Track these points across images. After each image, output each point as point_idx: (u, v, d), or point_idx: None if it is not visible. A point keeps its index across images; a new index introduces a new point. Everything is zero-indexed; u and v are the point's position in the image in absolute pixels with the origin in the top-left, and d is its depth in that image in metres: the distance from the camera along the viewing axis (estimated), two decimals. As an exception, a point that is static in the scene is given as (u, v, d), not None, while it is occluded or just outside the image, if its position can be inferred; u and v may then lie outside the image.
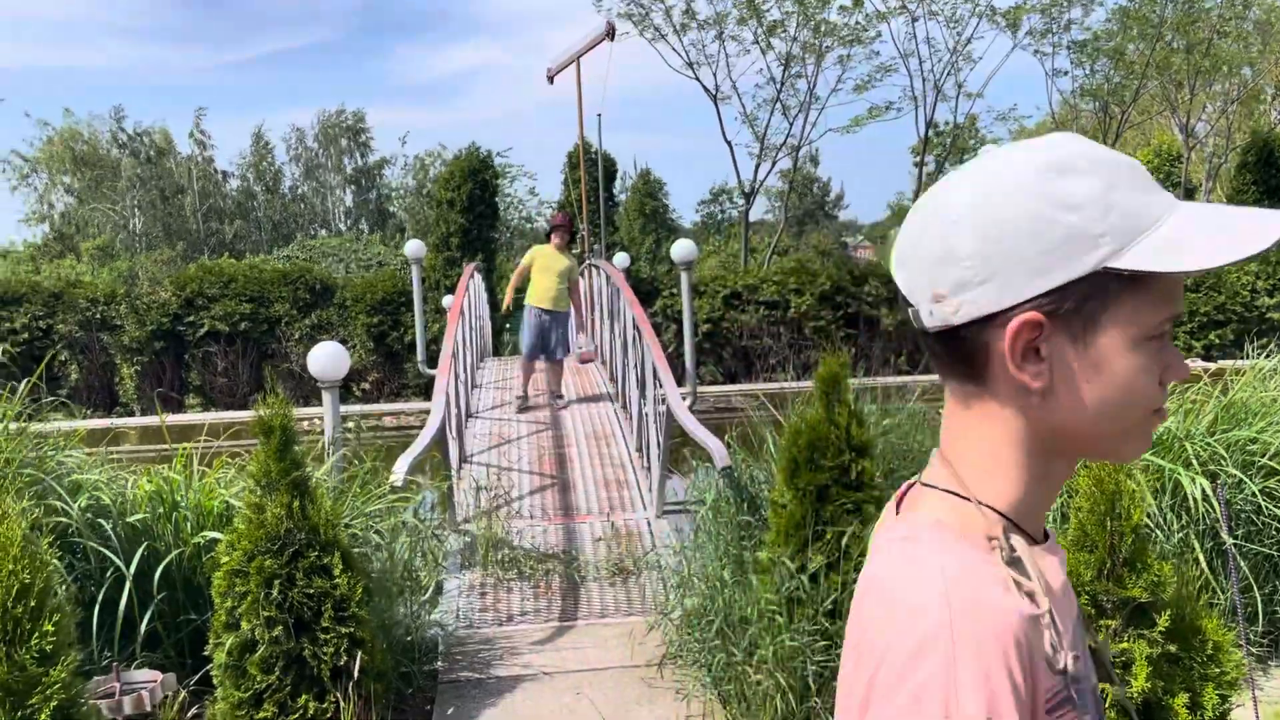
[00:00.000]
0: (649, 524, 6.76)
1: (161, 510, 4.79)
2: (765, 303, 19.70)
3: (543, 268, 9.49)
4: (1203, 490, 4.68)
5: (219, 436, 6.14)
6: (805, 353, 19.62)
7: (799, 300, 19.59)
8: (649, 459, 7.43)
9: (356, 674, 4.19)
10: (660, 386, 6.71)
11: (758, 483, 5.66)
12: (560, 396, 9.83)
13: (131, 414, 17.93)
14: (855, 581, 3.42)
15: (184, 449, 4.93)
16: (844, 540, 4.38)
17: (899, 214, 48.00)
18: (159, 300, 18.61)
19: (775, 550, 4.53)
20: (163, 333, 18.45)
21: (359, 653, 4.28)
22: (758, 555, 4.64)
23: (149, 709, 3.13)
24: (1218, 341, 19.89)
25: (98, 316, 18.56)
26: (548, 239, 9.73)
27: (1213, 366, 5.83)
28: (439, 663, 5.14)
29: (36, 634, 2.02)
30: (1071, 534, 2.32)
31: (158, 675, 3.20)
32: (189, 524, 4.79)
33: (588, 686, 4.86)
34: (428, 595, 5.58)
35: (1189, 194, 27.84)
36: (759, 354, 19.66)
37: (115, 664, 3.35)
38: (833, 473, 4.54)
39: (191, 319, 18.56)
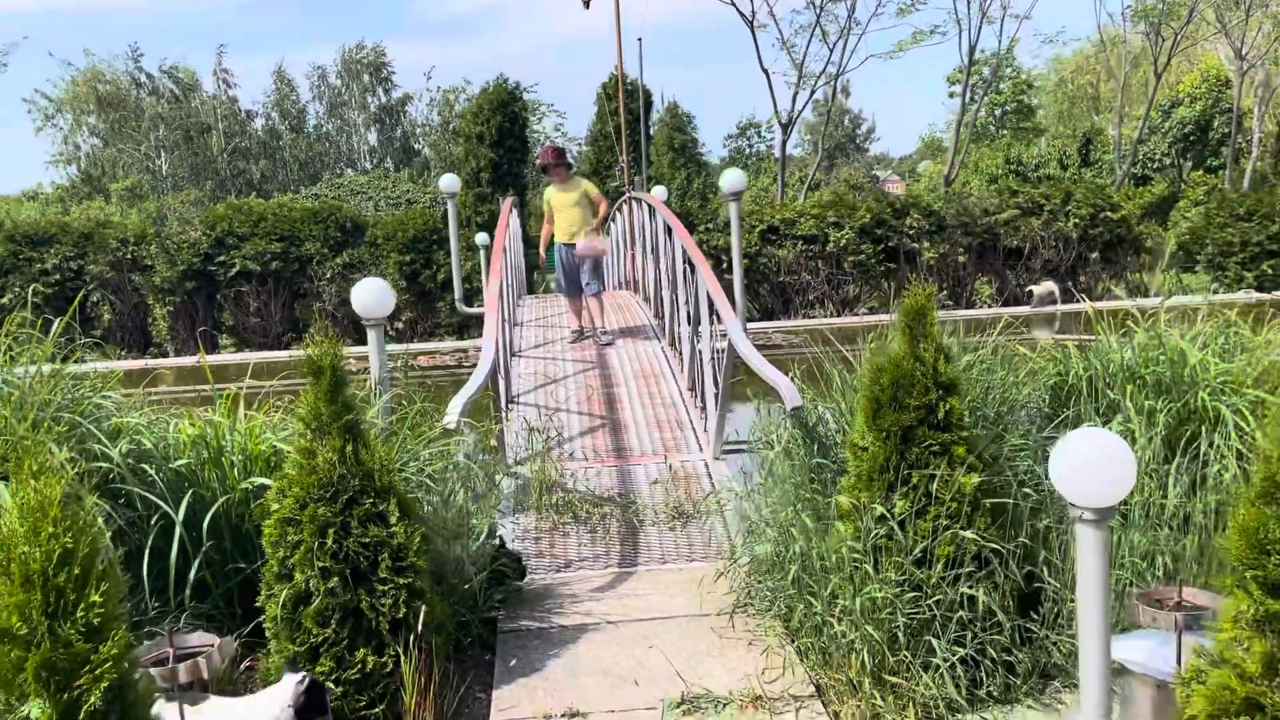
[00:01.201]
0: (706, 466, 6.49)
1: (207, 455, 4.55)
2: (803, 237, 19.23)
3: (558, 206, 9.53)
4: (1319, 429, 4.33)
5: (256, 378, 5.91)
6: (843, 288, 19.19)
7: (838, 234, 19.10)
8: (702, 398, 7.14)
9: (419, 627, 3.97)
10: (718, 321, 6.38)
11: (826, 424, 5.35)
12: (606, 333, 9.57)
13: (165, 355, 17.84)
14: (946, 528, 3.08)
15: (226, 392, 4.68)
16: (933, 485, 4.08)
17: (930, 146, 46.86)
18: (189, 240, 18.41)
19: (855, 495, 4.25)
20: (194, 272, 18.27)
21: (419, 604, 4.06)
22: (838, 500, 4.35)
23: (207, 677, 2.90)
24: (1271, 273, 19.25)
25: (128, 257, 18.40)
26: (545, 174, 9.78)
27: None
28: (497, 610, 4.92)
29: (82, 605, 1.78)
30: (1258, 486, 2.02)
31: (214, 639, 2.96)
32: (235, 469, 4.56)
33: (654, 636, 4.62)
34: (481, 540, 5.36)
35: (1238, 120, 26.84)
36: (797, 289, 19.24)
37: (169, 628, 3.12)
38: (918, 413, 4.23)
39: (222, 258, 18.36)
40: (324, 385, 4.15)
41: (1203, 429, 4.62)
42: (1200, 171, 28.07)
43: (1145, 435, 4.62)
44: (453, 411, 4.85)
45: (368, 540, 4.04)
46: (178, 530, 4.30)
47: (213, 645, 2.90)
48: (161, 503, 4.29)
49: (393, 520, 4.11)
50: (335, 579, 3.98)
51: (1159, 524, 4.38)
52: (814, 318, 18.45)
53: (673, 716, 4.01)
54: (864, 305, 19.08)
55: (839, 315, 18.60)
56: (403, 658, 3.96)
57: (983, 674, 4.00)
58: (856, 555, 4.08)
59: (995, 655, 4.01)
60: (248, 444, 4.60)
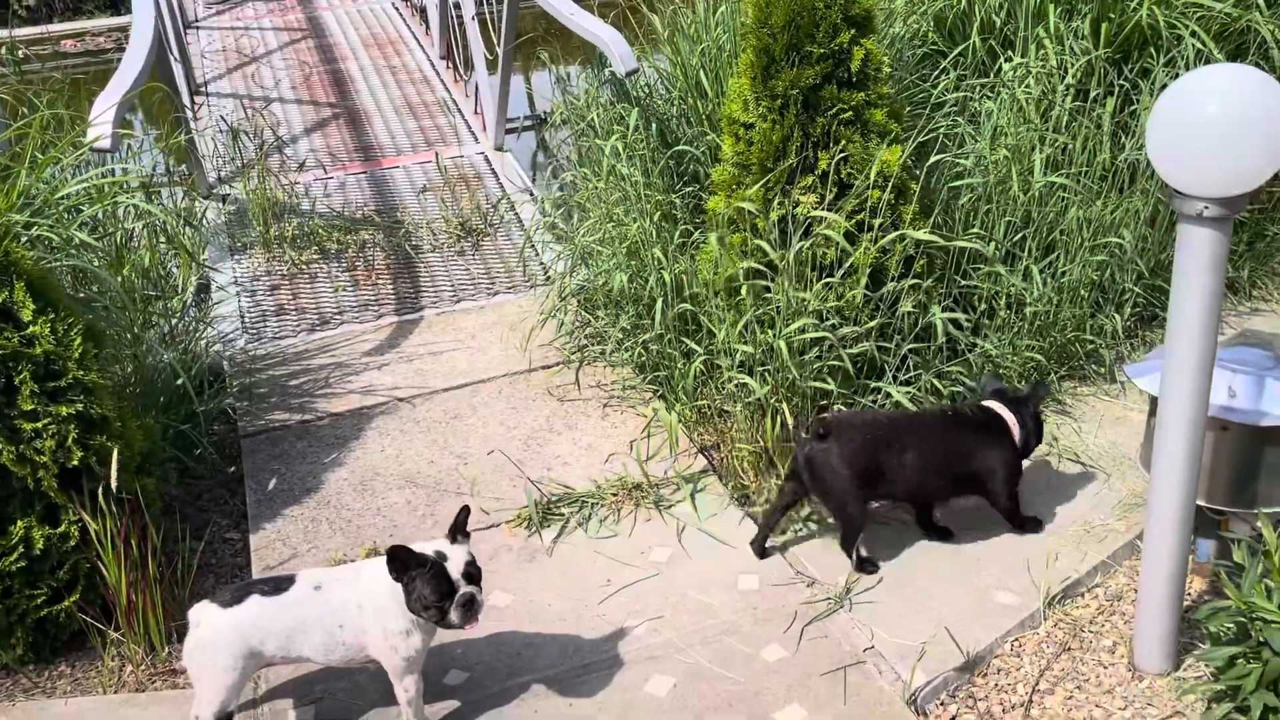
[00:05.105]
0: (488, 160, 4.94)
1: None
2: None
3: None
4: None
5: None
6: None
7: None
8: (467, 68, 5.43)
9: (114, 474, 2.50)
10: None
11: (656, 93, 3.95)
12: None
13: None
14: (878, 232, 1.71)
15: None
16: (854, 170, 2.88)
17: None
18: None
19: (737, 194, 2.99)
20: None
21: (102, 438, 2.55)
22: (713, 202, 3.09)
23: None
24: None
25: None
26: None
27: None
28: (231, 400, 3.45)
29: None
30: None
31: None
32: None
33: (469, 412, 3.35)
34: (189, 302, 3.77)
35: None
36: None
37: None
38: (824, 65, 2.94)
39: None
40: None
41: (1149, 52, 3.62)
42: None
43: (1070, 73, 3.56)
44: (101, 118, 3.02)
45: (-15, 357, 2.41)
46: None
47: None
48: None
49: (27, 316, 2.49)
50: (-60, 427, 2.38)
51: (1097, 188, 3.44)
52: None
53: (521, 536, 2.84)
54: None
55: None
56: (92, 524, 2.51)
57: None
58: (759, 281, 2.88)
59: (936, 384, 3.05)
60: None
